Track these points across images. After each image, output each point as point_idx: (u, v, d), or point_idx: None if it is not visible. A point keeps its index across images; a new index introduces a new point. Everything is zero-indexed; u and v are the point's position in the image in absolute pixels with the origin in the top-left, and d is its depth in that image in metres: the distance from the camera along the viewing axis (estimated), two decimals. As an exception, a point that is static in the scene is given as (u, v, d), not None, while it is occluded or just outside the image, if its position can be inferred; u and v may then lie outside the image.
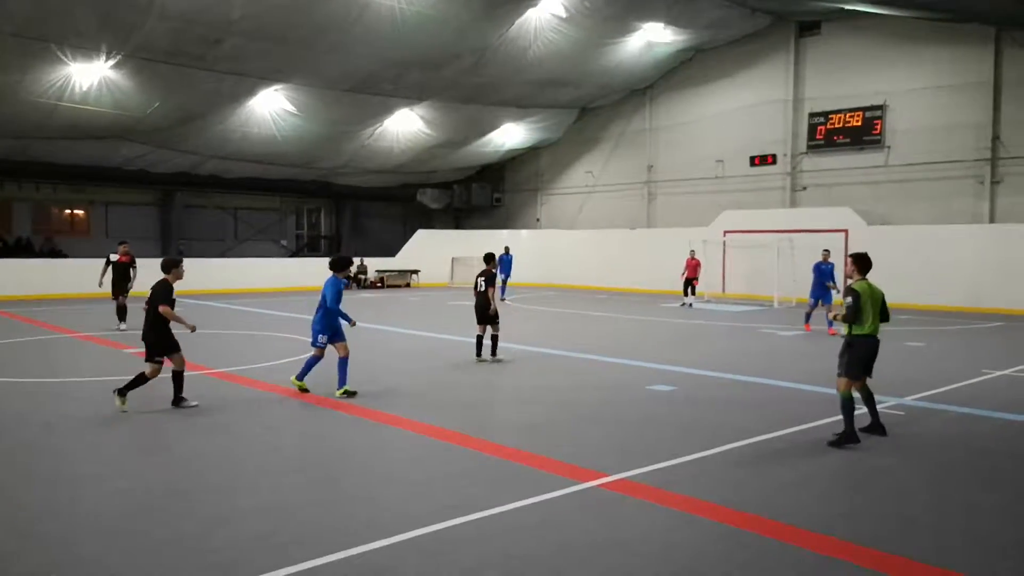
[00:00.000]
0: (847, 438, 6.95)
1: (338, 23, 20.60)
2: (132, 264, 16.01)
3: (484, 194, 35.31)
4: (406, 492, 5.71)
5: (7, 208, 28.68)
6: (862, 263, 7.34)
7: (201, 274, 24.19)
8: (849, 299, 7.05)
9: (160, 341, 8.29)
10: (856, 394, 7.20)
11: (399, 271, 31.93)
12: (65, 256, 27.34)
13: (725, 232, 25.60)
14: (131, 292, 15.90)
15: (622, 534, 4.86)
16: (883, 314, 7.19)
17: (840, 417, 7.16)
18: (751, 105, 26.65)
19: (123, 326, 15.38)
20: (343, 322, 9.24)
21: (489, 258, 12.15)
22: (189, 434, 7.46)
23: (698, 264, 22.40)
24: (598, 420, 8.08)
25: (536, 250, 31.51)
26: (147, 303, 8.33)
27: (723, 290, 25.82)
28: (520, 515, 5.16)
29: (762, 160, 26.31)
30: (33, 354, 12.69)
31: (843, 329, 7.28)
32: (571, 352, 12.85)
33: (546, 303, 23.74)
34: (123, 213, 30.45)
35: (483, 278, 11.89)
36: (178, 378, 8.46)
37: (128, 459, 6.78)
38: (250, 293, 26.61)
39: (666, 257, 25.57)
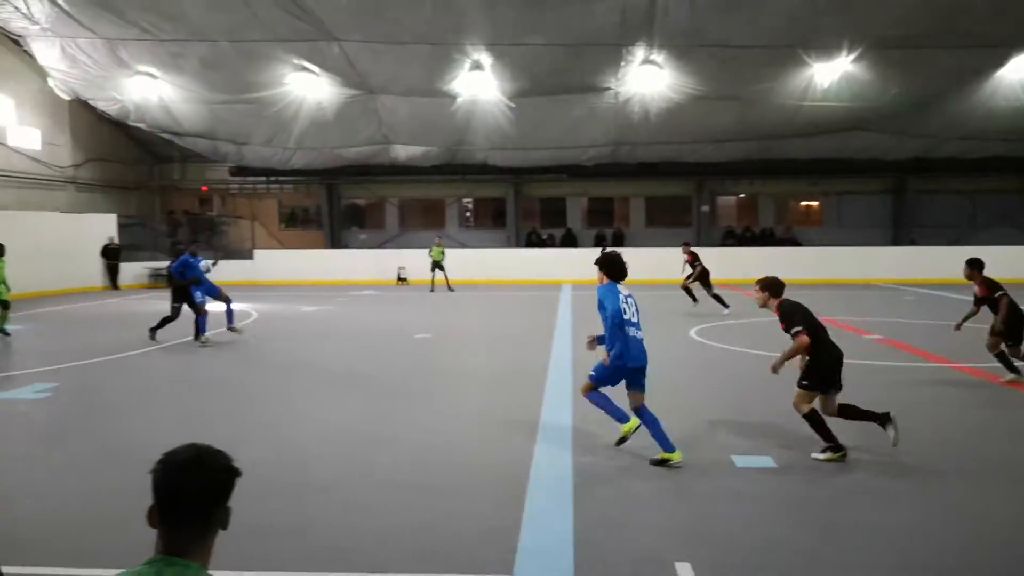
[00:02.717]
0: None
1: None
2: (694, 261, 17.61)
3: None
4: None
5: (753, 202, 32.66)
6: None
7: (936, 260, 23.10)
8: None
9: None
10: None
11: None
12: (799, 244, 29.64)
13: None
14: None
15: None
16: None
17: None
18: None
19: (725, 311, 16.48)
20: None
21: None
22: None
23: None
24: None
25: None
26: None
27: None
28: None
29: None
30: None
31: None
32: None
33: None
34: (854, 202, 31.32)
35: None
36: None
37: None
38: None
39: None
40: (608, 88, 23.99)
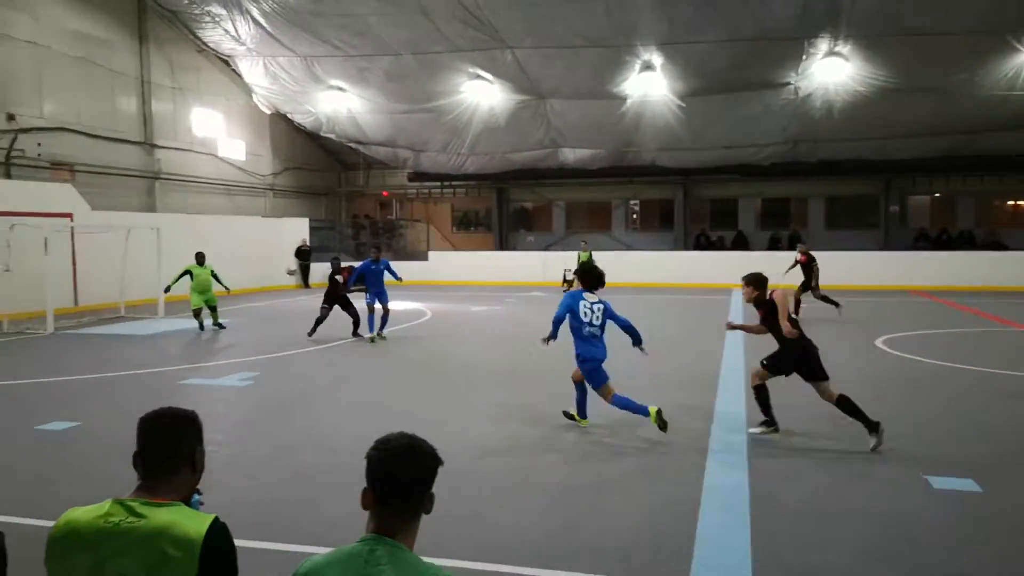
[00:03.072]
0: None
1: None
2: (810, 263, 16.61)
3: None
4: None
5: (950, 202, 29.90)
6: None
7: None
8: None
9: None
10: None
11: None
12: (1005, 248, 26.81)
13: None
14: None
15: None
16: None
17: None
18: None
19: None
20: None
21: None
22: None
23: None
24: None
25: None
26: None
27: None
28: None
29: None
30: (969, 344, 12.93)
31: None
32: None
33: None
34: (1072, 201, 27.87)
35: None
36: None
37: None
38: None
39: None
40: (787, 83, 22.96)
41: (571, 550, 4.68)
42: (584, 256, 24.15)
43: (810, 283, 16.55)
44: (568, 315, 7.32)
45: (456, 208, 36.11)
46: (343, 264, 14.75)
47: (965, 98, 22.41)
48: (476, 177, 31.82)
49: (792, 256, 17.46)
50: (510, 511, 5.37)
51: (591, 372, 7.35)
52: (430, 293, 24.07)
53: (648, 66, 22.74)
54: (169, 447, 2.15)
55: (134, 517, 2.02)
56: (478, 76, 24.45)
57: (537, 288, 26.13)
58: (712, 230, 31.57)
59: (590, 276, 7.61)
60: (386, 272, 14.06)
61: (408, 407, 8.63)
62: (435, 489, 2.09)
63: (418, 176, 32.37)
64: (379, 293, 13.96)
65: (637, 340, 7.55)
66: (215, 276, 15.53)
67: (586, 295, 7.43)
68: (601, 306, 7.39)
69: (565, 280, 27.20)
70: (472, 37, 22.12)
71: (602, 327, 7.38)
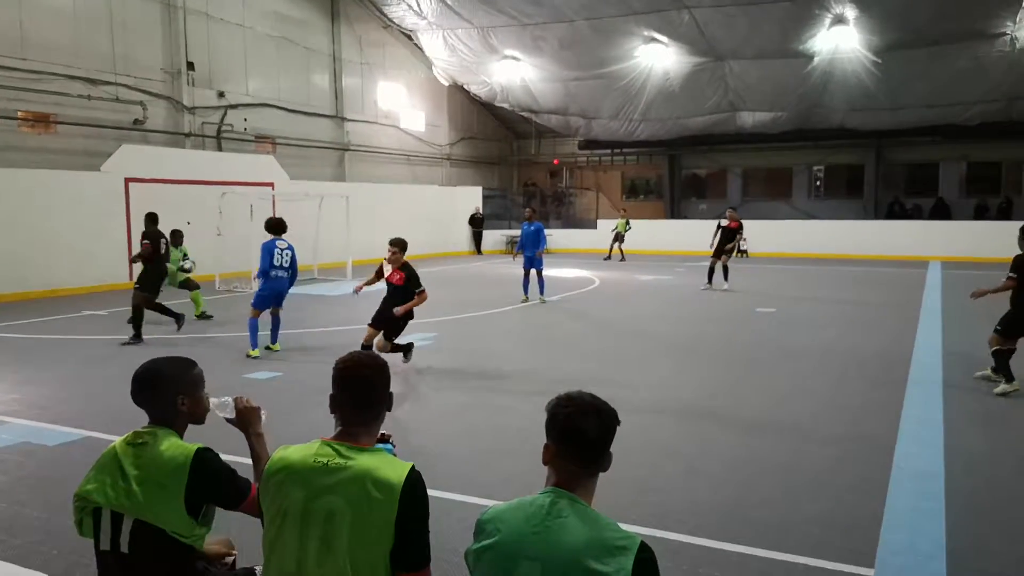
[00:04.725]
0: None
1: None
2: (740, 230, 16.60)
3: None
4: None
5: None
6: None
7: None
8: None
9: None
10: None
11: None
12: None
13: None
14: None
15: None
16: None
17: None
18: None
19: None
20: None
21: None
22: None
23: None
24: None
25: None
26: None
27: None
28: None
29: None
30: None
31: None
32: None
33: None
34: None
35: None
36: None
37: None
38: None
39: None
40: (1003, 34, 20.55)
41: (748, 523, 4.57)
42: (621, 225, 24.12)
43: (733, 248, 16.65)
44: None
45: (626, 176, 35.66)
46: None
47: None
48: (648, 144, 31.22)
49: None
50: (680, 481, 5.32)
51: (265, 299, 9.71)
52: (598, 262, 24.04)
53: (840, 19, 21.15)
54: (370, 396, 2.35)
55: (341, 459, 2.23)
56: (653, 39, 23.85)
57: (707, 259, 25.31)
58: (907, 197, 29.07)
59: (276, 226, 9.78)
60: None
61: (578, 371, 8.73)
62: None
63: (589, 144, 32.25)
64: (531, 257, 14.26)
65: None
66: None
67: (278, 241, 9.64)
68: (289, 251, 9.72)
69: (740, 251, 26.20)
70: (647, -1, 21.60)
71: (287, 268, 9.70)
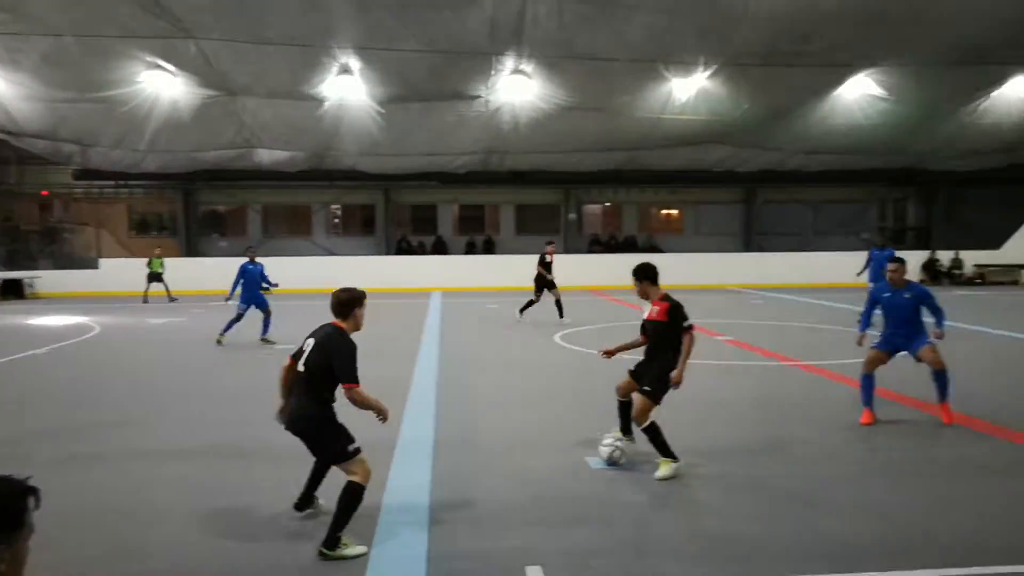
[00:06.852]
0: None
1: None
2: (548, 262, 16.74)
3: None
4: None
5: (617, 210, 33.82)
6: None
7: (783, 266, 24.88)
8: None
9: None
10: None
11: (1004, 266, 27.60)
12: (661, 251, 30.96)
13: None
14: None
15: None
16: None
17: None
18: None
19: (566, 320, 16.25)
20: None
21: None
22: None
23: None
24: None
25: None
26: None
27: None
28: None
29: None
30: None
31: None
32: None
33: None
34: (711, 211, 33.11)
35: None
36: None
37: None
38: (820, 288, 26.14)
39: None
40: (479, 96, 24.11)
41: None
42: (156, 264, 23.70)
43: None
44: None
45: (135, 210, 32.61)
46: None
47: (628, 118, 25.33)
48: (159, 176, 29.00)
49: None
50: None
51: None
52: (101, 305, 21.41)
53: (346, 69, 22.46)
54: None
55: None
56: (158, 66, 22.25)
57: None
58: (413, 235, 32.23)
59: None
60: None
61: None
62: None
63: (87, 174, 28.59)
64: (252, 297, 14.16)
65: None
66: None
67: None
68: None
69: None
70: (149, 23, 20.03)
71: None
